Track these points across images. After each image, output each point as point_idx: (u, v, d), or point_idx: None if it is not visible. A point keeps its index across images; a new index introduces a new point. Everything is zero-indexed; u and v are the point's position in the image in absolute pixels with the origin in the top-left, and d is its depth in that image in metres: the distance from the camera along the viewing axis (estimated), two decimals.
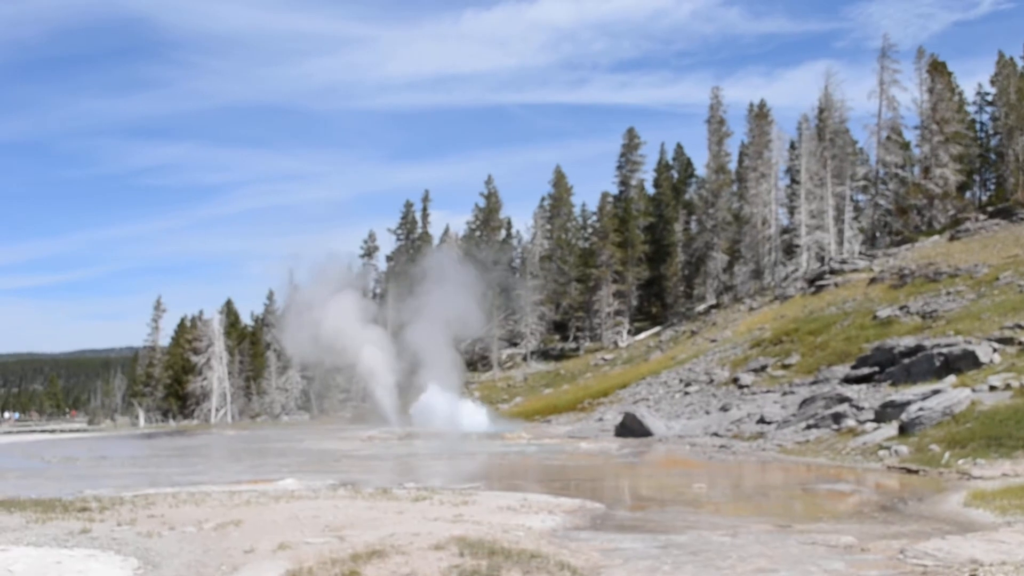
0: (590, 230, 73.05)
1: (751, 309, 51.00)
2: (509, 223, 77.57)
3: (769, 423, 27.65)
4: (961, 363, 24.85)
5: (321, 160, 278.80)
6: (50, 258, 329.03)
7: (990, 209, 49.52)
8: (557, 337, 68.59)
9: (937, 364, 25.55)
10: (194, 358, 73.03)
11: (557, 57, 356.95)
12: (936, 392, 22.11)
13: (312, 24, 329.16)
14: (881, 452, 20.49)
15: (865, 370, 28.88)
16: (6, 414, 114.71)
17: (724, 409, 32.42)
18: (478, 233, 72.80)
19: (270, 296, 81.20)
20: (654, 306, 68.62)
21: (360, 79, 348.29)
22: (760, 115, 60.40)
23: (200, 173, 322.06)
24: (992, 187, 60.05)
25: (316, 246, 52.66)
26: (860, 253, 51.01)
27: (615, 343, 60.58)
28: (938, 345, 26.52)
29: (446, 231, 75.39)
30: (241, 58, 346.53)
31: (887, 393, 25.19)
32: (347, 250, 72.16)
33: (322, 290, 48.56)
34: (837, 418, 24.59)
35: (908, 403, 22.08)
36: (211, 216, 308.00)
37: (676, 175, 74.20)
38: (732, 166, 64.96)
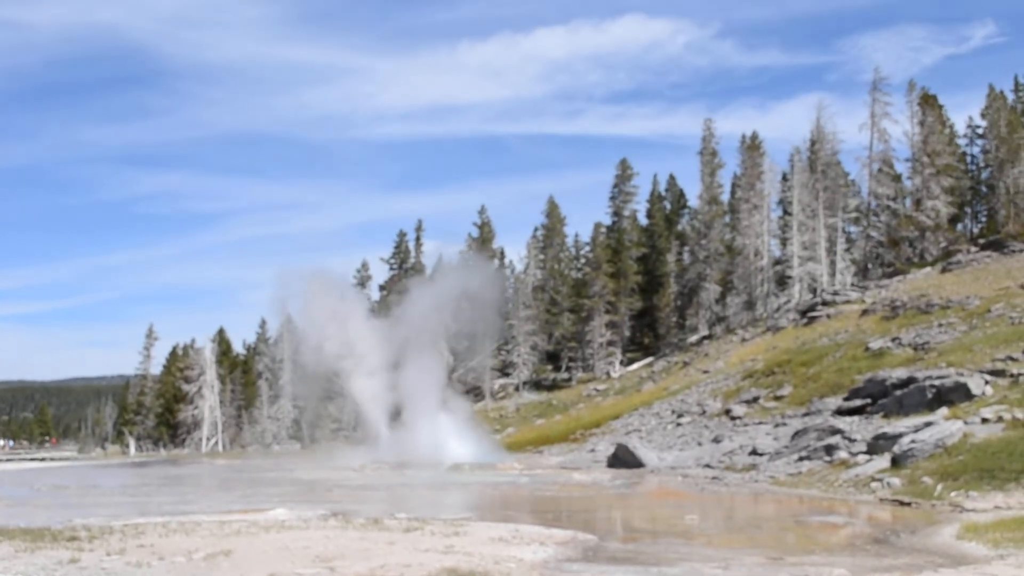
0: (583, 260, 73.08)
1: (743, 340, 51.01)
2: (502, 253, 77.63)
3: (761, 455, 27.60)
4: (953, 395, 24.85)
5: (316, 189, 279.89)
6: (43, 285, 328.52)
7: (981, 241, 49.70)
8: (549, 367, 68.44)
9: (929, 396, 25.55)
10: (185, 387, 72.80)
11: (552, 88, 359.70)
12: (928, 424, 22.10)
13: (308, 55, 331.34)
14: (873, 484, 20.46)
15: (857, 402, 28.89)
16: (1, 442, 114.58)
17: (716, 440, 32.36)
18: (471, 263, 72.70)
19: (262, 325, 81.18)
20: (647, 337, 68.55)
21: (356, 109, 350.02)
22: (752, 147, 60.66)
23: (196, 201, 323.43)
24: (983, 219, 60.28)
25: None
26: (852, 285, 51.13)
27: (607, 374, 60.50)
28: (930, 377, 26.53)
29: (439, 261, 75.41)
30: (238, 88, 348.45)
31: (879, 425, 25.17)
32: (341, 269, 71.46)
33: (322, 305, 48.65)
34: (829, 450, 24.56)
35: (900, 435, 22.07)
36: (206, 244, 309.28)
37: (669, 206, 74.41)
38: (725, 197, 65.16)
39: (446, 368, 47.00)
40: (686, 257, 68.72)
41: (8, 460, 63.42)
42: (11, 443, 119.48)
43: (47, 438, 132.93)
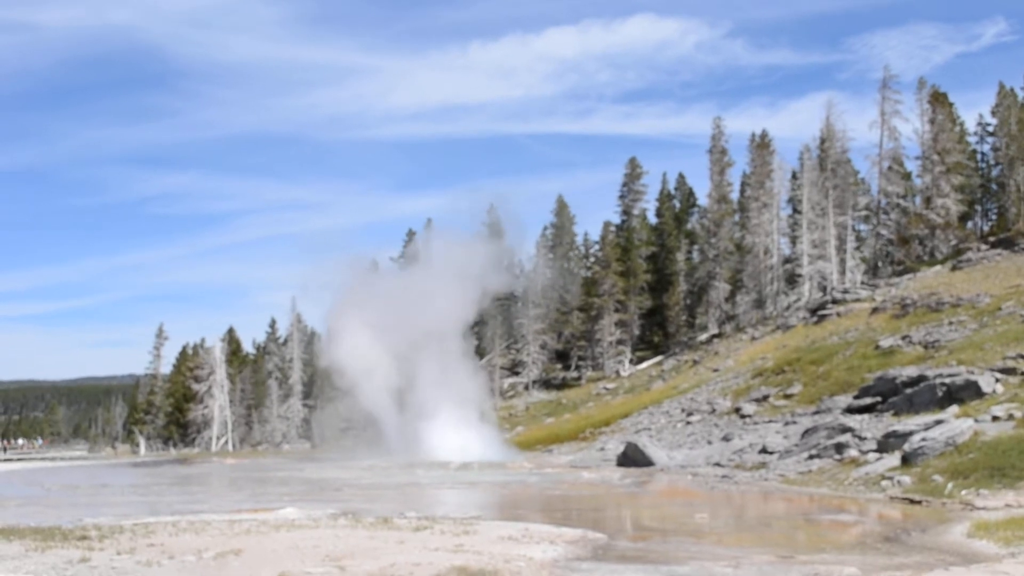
0: (592, 259, 73.01)
1: (753, 339, 50.93)
2: (511, 252, 77.46)
3: (771, 453, 27.55)
4: (964, 393, 24.77)
5: (327, 189, 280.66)
6: (54, 285, 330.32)
7: (992, 239, 49.53)
8: (559, 366, 68.39)
9: (939, 394, 25.47)
10: (195, 386, 72.91)
11: (563, 88, 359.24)
12: (939, 422, 22.03)
13: (319, 55, 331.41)
14: (884, 482, 20.40)
15: (867, 400, 28.78)
16: (20, 441, 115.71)
17: (726, 439, 32.30)
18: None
19: (272, 324, 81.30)
20: (656, 335, 68.48)
21: (366, 109, 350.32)
22: (762, 145, 60.52)
23: (206, 202, 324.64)
24: (994, 217, 60.09)
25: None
26: (862, 283, 50.99)
27: (617, 372, 60.45)
28: (940, 375, 26.44)
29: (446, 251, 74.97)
30: (248, 88, 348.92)
31: (889, 423, 25.11)
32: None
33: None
34: (839, 448, 24.51)
35: (911, 433, 22.01)
36: (216, 245, 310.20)
37: (678, 205, 74.22)
38: (734, 196, 65.02)
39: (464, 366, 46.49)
40: (695, 256, 68.62)
41: (19, 459, 63.62)
42: (39, 441, 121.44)
43: (43, 438, 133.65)
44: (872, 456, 22.91)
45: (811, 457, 25.11)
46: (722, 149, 62.71)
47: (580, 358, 66.60)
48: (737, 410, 36.19)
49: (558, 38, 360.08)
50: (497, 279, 48.96)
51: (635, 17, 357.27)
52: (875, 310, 42.36)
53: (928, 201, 54.17)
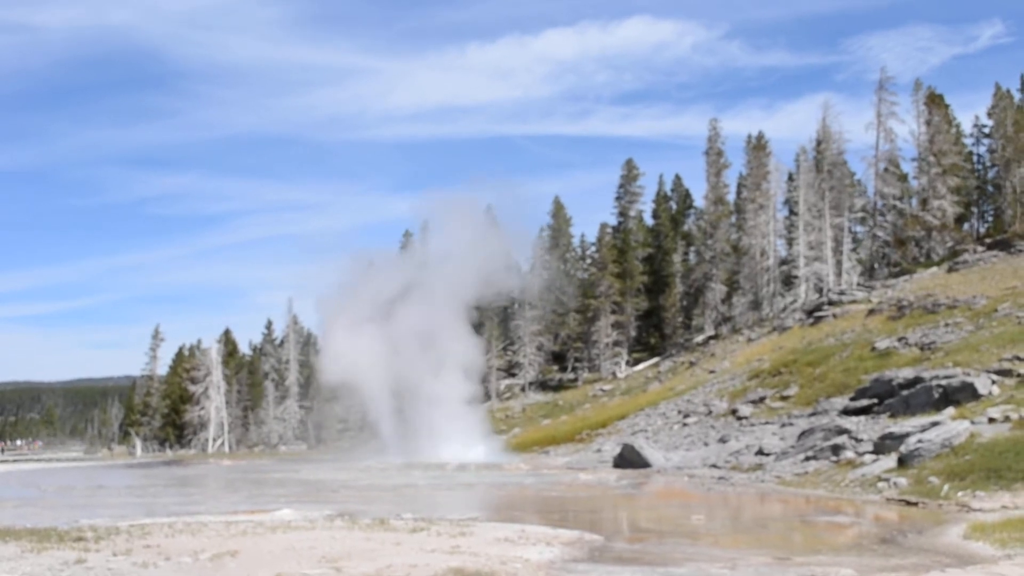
0: (589, 261, 73.01)
1: (749, 340, 50.93)
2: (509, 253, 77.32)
3: (768, 455, 27.56)
4: (960, 395, 24.80)
5: (325, 190, 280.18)
6: (51, 286, 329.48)
7: (988, 241, 49.56)
8: (555, 368, 68.41)
9: (936, 396, 25.50)
10: (192, 387, 72.88)
11: (560, 89, 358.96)
12: (935, 424, 22.05)
13: (317, 56, 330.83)
14: (880, 484, 20.42)
15: (864, 402, 28.81)
16: (19, 442, 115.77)
17: (722, 440, 32.32)
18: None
19: (268, 326, 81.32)
20: (652, 337, 68.47)
21: (364, 110, 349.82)
22: (758, 147, 60.56)
23: (205, 202, 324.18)
24: (990, 219, 60.13)
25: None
26: (858, 284, 51.01)
27: (613, 374, 60.45)
28: (937, 377, 26.47)
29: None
30: (248, 88, 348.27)
31: (886, 425, 25.13)
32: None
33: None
34: (836, 450, 24.53)
35: (907, 435, 22.03)
36: (214, 245, 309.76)
37: (675, 206, 74.21)
38: (731, 197, 65.02)
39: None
40: (692, 257, 68.65)
41: (16, 460, 63.57)
42: (40, 443, 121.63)
43: (39, 440, 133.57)
44: (868, 458, 22.93)
45: (807, 459, 25.13)
46: (719, 151, 62.76)
47: (577, 360, 66.63)
48: (733, 412, 36.19)
49: (556, 39, 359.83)
50: (499, 268, 48.84)
51: (632, 19, 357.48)
52: (871, 312, 42.38)
53: (924, 203, 54.24)
